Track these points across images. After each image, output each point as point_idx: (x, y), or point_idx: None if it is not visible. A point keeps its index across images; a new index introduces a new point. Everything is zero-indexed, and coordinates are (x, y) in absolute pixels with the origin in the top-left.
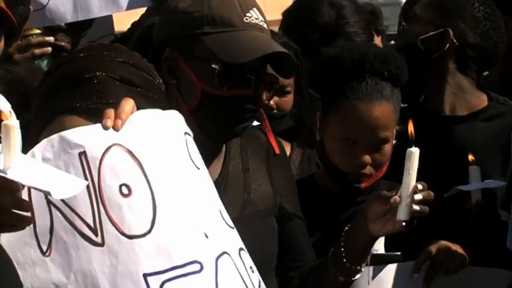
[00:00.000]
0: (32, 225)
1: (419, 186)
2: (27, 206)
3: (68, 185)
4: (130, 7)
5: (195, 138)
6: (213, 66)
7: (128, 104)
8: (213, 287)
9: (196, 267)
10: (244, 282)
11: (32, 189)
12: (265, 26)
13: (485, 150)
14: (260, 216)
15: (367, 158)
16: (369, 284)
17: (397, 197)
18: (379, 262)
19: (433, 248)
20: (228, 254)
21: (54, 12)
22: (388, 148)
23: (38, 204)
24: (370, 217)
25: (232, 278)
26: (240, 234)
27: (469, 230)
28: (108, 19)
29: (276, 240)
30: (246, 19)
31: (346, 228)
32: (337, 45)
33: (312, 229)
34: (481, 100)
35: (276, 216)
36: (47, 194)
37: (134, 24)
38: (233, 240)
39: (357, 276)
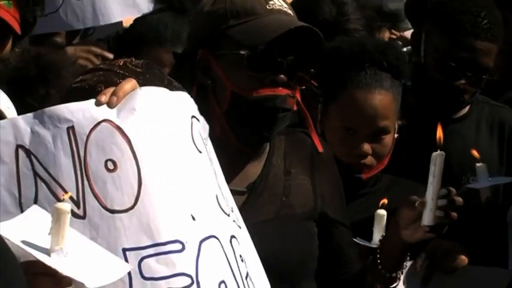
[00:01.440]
0: (17, 195)
1: (444, 192)
2: (67, 282)
3: (110, 268)
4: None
5: (228, 141)
6: (241, 52)
7: (129, 83)
8: (192, 267)
9: (178, 246)
10: (230, 267)
11: (19, 157)
12: (289, 11)
13: (479, 148)
14: (297, 220)
15: (367, 148)
16: None
17: (422, 202)
18: None
19: (431, 248)
20: (217, 238)
21: (70, 15)
22: (389, 139)
23: (24, 175)
24: (401, 223)
25: (216, 262)
26: (274, 235)
27: (476, 229)
28: None
29: (315, 244)
30: (269, 6)
31: (382, 234)
32: (336, 40)
33: None
34: None
35: (316, 221)
36: (82, 286)
37: (136, 21)
38: (226, 226)
39: (394, 285)
